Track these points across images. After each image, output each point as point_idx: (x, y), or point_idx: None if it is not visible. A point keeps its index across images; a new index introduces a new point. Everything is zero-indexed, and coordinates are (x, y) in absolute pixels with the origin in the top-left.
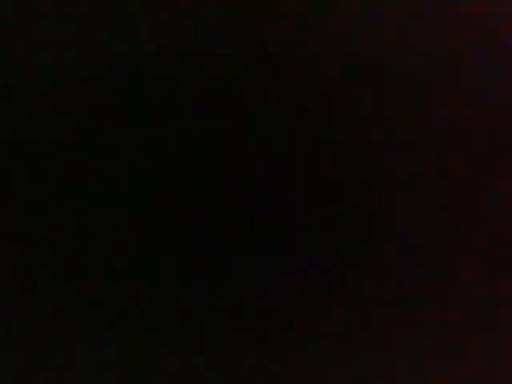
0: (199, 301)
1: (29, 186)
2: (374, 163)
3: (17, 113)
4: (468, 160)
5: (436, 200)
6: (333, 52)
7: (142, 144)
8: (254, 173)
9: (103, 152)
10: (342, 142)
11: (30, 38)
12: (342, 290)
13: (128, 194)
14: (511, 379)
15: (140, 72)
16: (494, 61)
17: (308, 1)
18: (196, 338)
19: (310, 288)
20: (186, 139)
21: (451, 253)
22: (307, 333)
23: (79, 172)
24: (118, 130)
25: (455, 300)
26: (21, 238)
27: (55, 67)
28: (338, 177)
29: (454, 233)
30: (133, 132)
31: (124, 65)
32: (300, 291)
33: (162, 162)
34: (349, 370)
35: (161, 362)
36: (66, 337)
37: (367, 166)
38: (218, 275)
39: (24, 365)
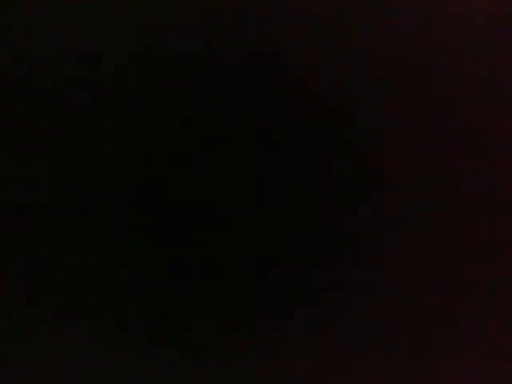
0: (199, 300)
1: (28, 185)
2: (374, 162)
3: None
4: (469, 159)
5: (437, 199)
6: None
7: (142, 143)
8: (254, 172)
9: (104, 153)
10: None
11: (30, 39)
12: (341, 289)
13: (129, 194)
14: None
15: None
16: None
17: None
18: (196, 337)
19: (310, 287)
20: (188, 140)
21: (451, 252)
22: (306, 333)
23: (80, 172)
24: (119, 130)
25: (455, 299)
26: (20, 238)
27: (56, 67)
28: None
29: (454, 232)
30: (133, 133)
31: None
32: (299, 290)
33: (161, 162)
34: (349, 370)
35: (161, 362)
36: (65, 337)
37: (367, 167)
38: (218, 275)
39: (24, 364)
